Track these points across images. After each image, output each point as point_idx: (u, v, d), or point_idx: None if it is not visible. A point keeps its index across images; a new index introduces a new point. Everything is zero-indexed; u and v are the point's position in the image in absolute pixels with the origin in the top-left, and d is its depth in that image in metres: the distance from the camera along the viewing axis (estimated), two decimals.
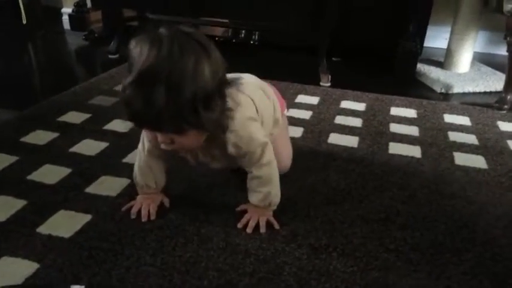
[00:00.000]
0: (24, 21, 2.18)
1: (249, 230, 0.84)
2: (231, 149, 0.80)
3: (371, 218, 0.91)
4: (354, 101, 1.53)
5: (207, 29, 2.11)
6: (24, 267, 0.74)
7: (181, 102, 0.64)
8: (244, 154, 0.81)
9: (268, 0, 1.95)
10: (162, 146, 0.75)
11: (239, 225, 0.85)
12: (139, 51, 0.65)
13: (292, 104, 1.47)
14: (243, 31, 2.02)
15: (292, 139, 1.21)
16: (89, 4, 2.12)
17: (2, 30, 2.25)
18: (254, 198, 0.86)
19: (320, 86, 1.69)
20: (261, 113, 0.86)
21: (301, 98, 1.54)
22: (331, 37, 1.81)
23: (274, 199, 0.87)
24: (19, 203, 0.91)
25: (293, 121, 1.33)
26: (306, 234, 0.85)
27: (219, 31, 2.07)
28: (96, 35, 2.12)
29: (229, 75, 0.88)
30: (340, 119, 1.38)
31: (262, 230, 0.84)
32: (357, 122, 1.36)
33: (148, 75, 0.63)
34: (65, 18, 2.23)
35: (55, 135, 1.20)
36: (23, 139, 1.17)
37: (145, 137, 0.86)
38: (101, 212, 0.89)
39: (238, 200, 0.92)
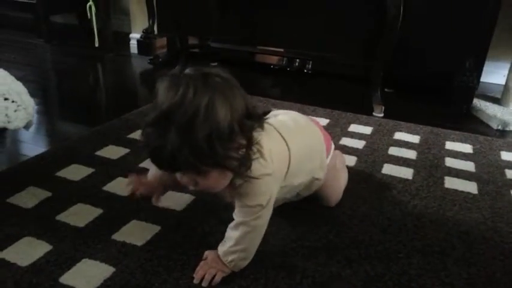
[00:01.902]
0: (97, 45, 2.38)
1: (204, 284, 0.79)
2: (235, 188, 0.77)
3: (427, 251, 0.92)
4: (408, 133, 1.54)
5: (263, 57, 2.21)
6: (102, 270, 0.82)
7: (195, 143, 0.64)
8: (241, 200, 0.79)
9: (323, 30, 2.03)
10: (187, 187, 0.74)
11: (195, 280, 0.80)
12: (159, 93, 0.67)
13: (345, 133, 1.51)
14: (298, 60, 2.10)
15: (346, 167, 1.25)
16: (155, 31, 2.29)
17: (77, 52, 2.47)
18: (221, 247, 0.82)
19: (373, 116, 1.71)
20: (294, 158, 0.84)
21: (354, 128, 1.57)
22: (385, 68, 1.85)
23: (238, 262, 0.81)
24: (96, 212, 1.00)
25: (346, 149, 1.37)
26: (361, 261, 0.88)
27: (274, 59, 2.16)
28: (160, 59, 2.28)
29: (276, 116, 0.92)
30: (393, 150, 1.40)
31: (204, 284, 0.79)
32: (411, 154, 1.37)
33: (162, 117, 0.65)
34: (133, 43, 2.42)
35: (126, 150, 1.31)
36: (97, 153, 1.28)
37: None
38: (168, 225, 0.96)
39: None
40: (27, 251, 0.86)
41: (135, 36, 2.41)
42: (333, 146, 1.05)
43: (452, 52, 1.86)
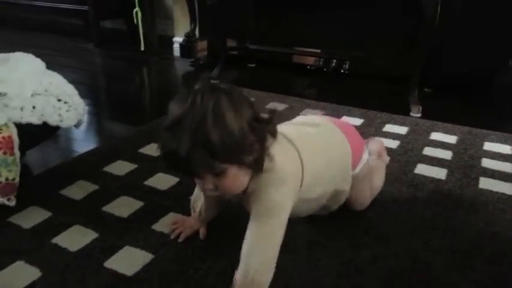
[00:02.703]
0: (143, 48, 2.51)
1: None
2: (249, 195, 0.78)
3: (455, 249, 0.92)
4: (445, 133, 1.52)
5: (300, 58, 2.24)
6: (142, 257, 0.90)
7: (207, 144, 0.67)
8: (253, 207, 0.78)
9: (360, 30, 2.03)
10: (207, 193, 0.78)
11: None
12: (172, 104, 0.72)
13: (379, 133, 1.51)
14: (334, 60, 2.11)
15: None
16: (197, 35, 2.38)
17: (125, 56, 2.61)
18: (238, 271, 0.77)
19: (410, 116, 1.70)
20: (308, 169, 0.84)
21: (389, 128, 1.57)
22: (424, 67, 1.82)
23: (256, 276, 0.75)
24: (137, 204, 1.09)
25: None
26: (386, 258, 0.90)
27: (311, 60, 2.18)
28: (201, 62, 2.37)
29: (296, 124, 0.95)
30: (428, 150, 1.39)
31: None
32: (446, 155, 1.36)
33: (175, 122, 0.69)
34: (176, 46, 2.52)
35: None
36: (140, 150, 1.38)
37: None
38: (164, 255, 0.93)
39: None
40: (76, 238, 0.95)
41: (177, 40, 2.52)
42: (365, 156, 1.01)
43: (494, 50, 1.81)
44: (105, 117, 1.83)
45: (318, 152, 0.88)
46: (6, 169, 0.94)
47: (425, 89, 1.97)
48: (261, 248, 0.76)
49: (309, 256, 0.91)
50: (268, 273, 0.76)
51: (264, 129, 0.73)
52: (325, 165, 0.89)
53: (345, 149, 0.95)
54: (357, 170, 0.97)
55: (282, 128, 0.84)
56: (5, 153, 0.94)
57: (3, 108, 1.00)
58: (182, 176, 0.80)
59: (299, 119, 1.05)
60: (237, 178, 0.74)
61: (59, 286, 0.83)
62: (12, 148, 0.95)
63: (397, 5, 1.90)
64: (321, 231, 0.98)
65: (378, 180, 1.11)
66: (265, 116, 0.76)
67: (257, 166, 0.74)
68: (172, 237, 0.96)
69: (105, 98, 2.10)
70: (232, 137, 0.68)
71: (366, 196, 1.05)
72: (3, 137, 0.94)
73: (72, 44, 2.84)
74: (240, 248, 0.77)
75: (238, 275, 0.76)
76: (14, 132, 0.96)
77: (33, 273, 0.85)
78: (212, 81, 0.76)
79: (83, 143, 1.51)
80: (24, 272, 0.86)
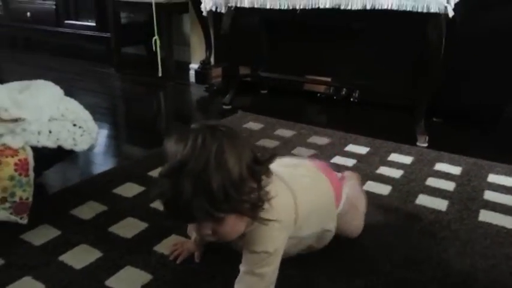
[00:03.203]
0: (160, 74, 2.61)
1: None
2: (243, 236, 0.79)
3: (447, 282, 0.93)
4: (450, 163, 1.53)
5: (311, 86, 2.30)
6: (141, 277, 0.94)
7: (209, 192, 0.67)
8: (248, 247, 0.80)
9: (369, 59, 2.08)
10: (204, 238, 0.78)
11: None
12: (169, 146, 0.72)
13: (384, 162, 1.53)
14: (344, 89, 2.16)
15: (378, 196, 1.29)
16: (212, 62, 2.48)
17: (144, 81, 2.72)
18: None
19: (416, 146, 1.72)
20: (301, 211, 0.85)
21: (394, 157, 1.59)
22: (434, 97, 1.85)
23: None
24: (142, 225, 1.13)
25: (382, 179, 1.40)
26: (378, 287, 0.92)
27: (321, 88, 2.23)
28: (215, 87, 2.45)
29: (285, 166, 0.94)
30: (431, 181, 1.40)
31: None
32: (449, 186, 1.37)
33: (175, 169, 0.68)
34: (192, 73, 2.62)
35: None
36: (150, 173, 1.43)
37: None
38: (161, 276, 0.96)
39: None
40: (82, 256, 1.00)
41: (193, 66, 2.62)
42: (345, 191, 1.03)
43: (502, 83, 1.82)
44: (122, 140, 1.91)
45: (308, 193, 0.89)
46: (21, 189, 1.01)
47: (434, 119, 1.98)
48: (261, 285, 0.79)
49: (304, 279, 0.93)
50: None
51: (261, 171, 0.74)
52: (315, 205, 0.90)
53: (328, 189, 0.97)
54: (340, 207, 1.00)
55: (273, 168, 0.81)
56: (20, 174, 1.00)
57: (22, 132, 1.08)
58: (180, 222, 0.83)
59: (284, 160, 1.03)
60: (235, 225, 0.75)
61: None
62: (27, 170, 1.02)
63: (407, 36, 1.95)
64: (313, 256, 1.00)
65: (361, 204, 1.10)
66: (263, 157, 0.77)
67: (255, 213, 0.74)
68: (171, 258, 0.99)
69: (123, 121, 2.19)
70: (233, 184, 0.68)
71: (358, 224, 1.07)
72: (20, 160, 1.01)
73: (93, 69, 2.98)
74: (233, 271, 0.80)
75: None
76: (30, 155, 1.03)
77: None
78: (209, 121, 0.78)
79: (100, 164, 1.58)
80: (31, 286, 0.91)
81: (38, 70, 2.76)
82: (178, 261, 0.98)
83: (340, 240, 1.05)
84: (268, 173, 0.76)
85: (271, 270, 0.79)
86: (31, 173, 1.02)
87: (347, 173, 1.18)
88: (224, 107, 2.20)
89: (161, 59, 2.61)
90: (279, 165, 0.98)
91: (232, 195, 0.68)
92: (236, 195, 0.69)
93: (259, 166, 0.74)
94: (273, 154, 0.79)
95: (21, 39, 3.69)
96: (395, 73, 2.04)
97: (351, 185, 1.10)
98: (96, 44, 3.08)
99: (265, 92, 2.44)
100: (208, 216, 0.70)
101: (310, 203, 0.88)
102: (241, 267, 0.81)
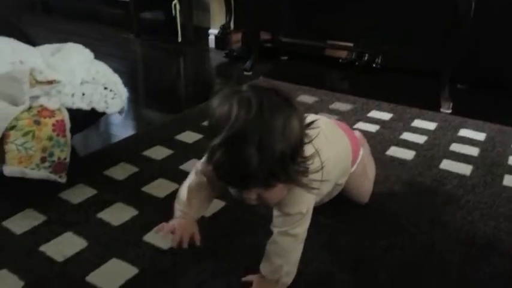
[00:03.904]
0: (180, 39, 2.61)
1: None
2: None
3: (471, 243, 0.96)
4: (474, 130, 1.53)
5: (333, 51, 2.27)
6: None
7: (273, 161, 0.64)
8: (282, 209, 0.79)
9: (392, 24, 2.04)
10: (246, 201, 0.74)
11: None
12: (226, 111, 0.65)
13: (407, 128, 1.54)
14: (367, 54, 2.13)
15: (402, 161, 1.30)
16: (232, 27, 2.46)
17: (163, 46, 2.72)
18: (264, 267, 0.82)
19: (440, 112, 1.71)
20: (324, 170, 0.82)
21: (418, 123, 1.59)
22: (459, 64, 1.82)
23: (285, 278, 0.81)
24: (173, 186, 1.16)
25: (406, 144, 1.41)
26: (404, 248, 0.95)
27: (343, 54, 2.21)
28: (235, 53, 2.44)
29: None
30: (455, 147, 1.41)
31: None
32: (473, 151, 1.37)
33: (239, 138, 0.63)
34: (211, 38, 2.61)
35: (199, 136, 1.47)
36: (177, 137, 1.46)
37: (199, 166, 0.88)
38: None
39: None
40: (118, 214, 1.06)
41: (213, 31, 2.60)
42: (361, 152, 1.04)
43: None
44: (143, 105, 1.94)
45: (330, 150, 0.87)
46: (59, 149, 1.05)
47: (458, 85, 1.96)
48: (291, 254, 0.81)
49: (328, 239, 0.97)
50: (293, 275, 0.82)
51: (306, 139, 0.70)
52: (336, 162, 0.90)
53: (347, 145, 0.98)
54: (355, 166, 1.01)
55: None
56: (58, 135, 1.04)
57: (57, 94, 1.11)
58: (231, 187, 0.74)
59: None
60: (281, 191, 0.74)
61: (102, 256, 0.93)
62: (64, 131, 1.06)
63: (433, 0, 1.90)
64: (340, 215, 1.04)
65: (371, 169, 1.12)
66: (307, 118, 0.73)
67: (302, 180, 0.72)
68: (174, 244, 0.84)
69: (143, 86, 2.22)
70: (294, 155, 0.66)
71: (368, 189, 1.08)
72: (57, 121, 1.05)
73: (113, 34, 2.97)
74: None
75: (267, 272, 0.81)
76: (66, 116, 1.07)
77: (80, 243, 0.96)
78: (257, 83, 0.71)
79: (122, 128, 1.62)
80: (73, 241, 0.97)
81: (58, 34, 2.77)
82: (185, 245, 0.84)
83: (362, 204, 1.08)
84: (313, 137, 0.74)
85: (303, 230, 0.81)
86: (68, 134, 1.06)
87: (357, 134, 1.16)
88: (245, 73, 2.20)
89: (181, 24, 2.59)
90: None
91: (292, 164, 0.67)
92: (295, 165, 0.68)
93: (307, 130, 0.71)
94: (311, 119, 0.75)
95: (40, 3, 3.68)
96: (420, 38, 2.00)
97: (365, 149, 1.11)
98: (115, 9, 3.07)
99: (286, 58, 2.43)
100: (265, 184, 0.68)
101: (332, 159, 0.87)
102: (275, 229, 0.81)
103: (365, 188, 1.08)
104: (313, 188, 0.75)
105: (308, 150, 0.72)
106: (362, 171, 1.04)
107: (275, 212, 0.81)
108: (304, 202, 0.79)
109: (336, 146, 0.93)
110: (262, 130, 0.63)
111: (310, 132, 0.73)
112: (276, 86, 0.70)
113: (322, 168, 0.82)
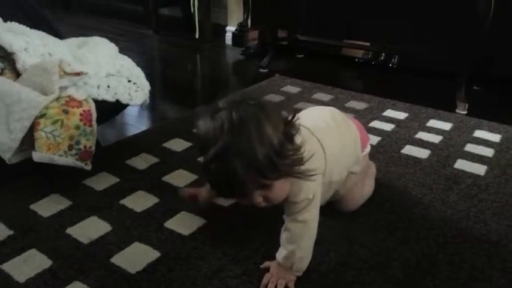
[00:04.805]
0: (197, 36, 2.65)
1: None
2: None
3: (483, 239, 0.98)
4: (489, 131, 1.54)
5: (349, 50, 2.29)
6: (196, 221, 1.02)
7: (257, 165, 0.70)
8: (288, 199, 0.83)
9: (410, 24, 2.04)
10: (257, 205, 0.80)
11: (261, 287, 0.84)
12: (205, 133, 0.73)
13: (422, 127, 1.55)
14: (383, 54, 2.14)
15: (417, 159, 1.32)
16: (249, 24, 2.49)
17: (181, 42, 2.77)
18: (279, 253, 0.86)
19: (455, 113, 1.72)
20: (329, 156, 0.89)
21: (433, 123, 1.60)
22: (475, 65, 1.82)
23: (298, 263, 0.84)
24: (192, 177, 1.21)
25: (421, 143, 1.43)
26: (417, 241, 0.97)
27: (359, 53, 2.22)
28: (251, 51, 2.47)
29: (309, 115, 0.96)
30: (470, 147, 1.42)
31: None
32: (488, 152, 1.38)
33: (220, 156, 0.70)
34: (228, 35, 2.65)
35: None
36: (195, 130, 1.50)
37: None
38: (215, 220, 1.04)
39: None
40: (140, 201, 1.10)
41: (230, 29, 2.64)
42: (368, 146, 1.07)
43: None
44: (160, 99, 1.98)
45: (332, 136, 0.92)
46: (85, 138, 1.09)
47: (474, 87, 1.96)
48: (302, 240, 0.84)
49: (346, 230, 1.00)
50: (307, 261, 0.86)
51: (292, 131, 0.76)
52: (341, 147, 0.93)
53: (354, 134, 1.01)
54: (364, 152, 1.04)
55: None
56: (84, 124, 1.08)
57: (83, 85, 1.15)
58: (232, 198, 0.87)
59: (306, 109, 1.05)
60: (282, 187, 0.79)
61: (126, 239, 0.97)
62: (90, 120, 1.10)
63: (451, 1, 1.90)
64: (358, 211, 1.06)
65: (369, 186, 1.11)
66: (289, 115, 0.79)
67: (298, 171, 0.78)
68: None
69: (160, 81, 2.26)
70: (276, 151, 0.72)
71: (358, 196, 1.06)
72: (84, 110, 1.09)
73: (131, 29, 3.03)
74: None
75: (281, 258, 0.85)
76: (92, 107, 1.11)
77: (105, 227, 1.01)
78: (235, 96, 0.78)
79: (139, 120, 1.66)
80: (97, 225, 1.01)
81: (79, 30, 2.83)
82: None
83: (377, 199, 1.11)
84: (297, 129, 0.79)
85: (312, 215, 0.85)
86: (94, 124, 1.10)
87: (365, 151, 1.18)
88: (261, 70, 2.23)
89: (198, 20, 2.63)
90: (303, 114, 0.99)
91: (276, 161, 0.72)
92: (280, 160, 0.73)
93: (291, 127, 0.77)
94: (295, 110, 0.81)
95: None
96: (436, 39, 2.00)
97: (371, 169, 1.15)
98: (134, 5, 3.12)
99: (302, 56, 2.45)
100: (260, 186, 0.75)
101: (336, 145, 0.92)
102: (286, 218, 0.86)
103: (357, 194, 1.05)
104: (313, 175, 0.80)
105: (297, 139, 0.78)
106: (363, 171, 1.05)
107: (285, 203, 0.85)
108: (309, 188, 0.83)
109: (341, 135, 0.96)
110: (238, 143, 0.69)
111: (299, 122, 0.78)
112: (250, 94, 0.79)
113: (324, 152, 0.86)
